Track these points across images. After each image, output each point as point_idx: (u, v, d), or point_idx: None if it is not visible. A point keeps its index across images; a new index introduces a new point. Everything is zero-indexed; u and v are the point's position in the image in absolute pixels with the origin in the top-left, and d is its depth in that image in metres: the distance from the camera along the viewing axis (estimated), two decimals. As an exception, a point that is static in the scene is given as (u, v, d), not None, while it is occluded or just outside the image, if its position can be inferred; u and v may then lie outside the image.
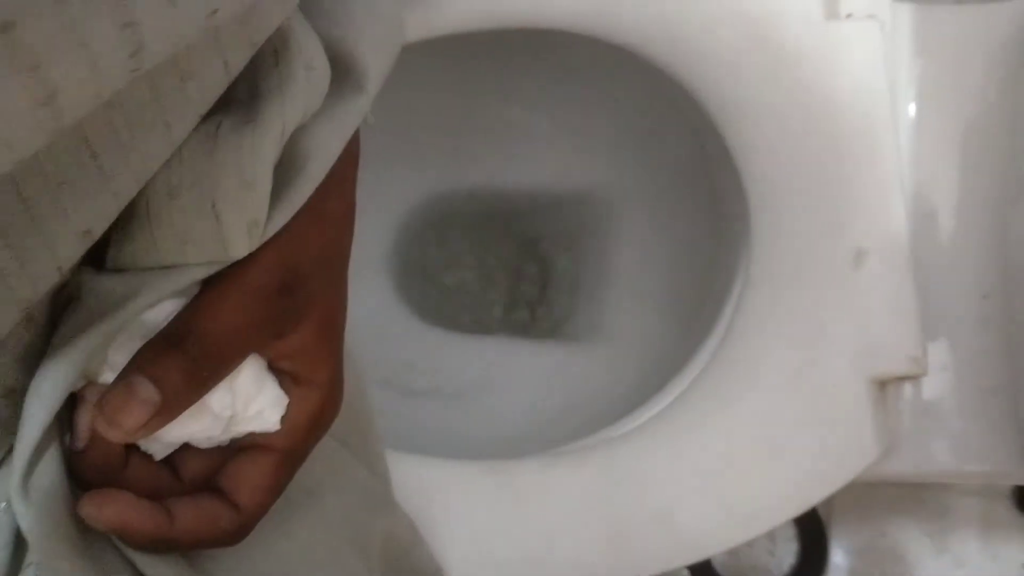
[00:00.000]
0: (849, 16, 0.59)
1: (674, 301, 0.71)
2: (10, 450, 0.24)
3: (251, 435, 0.28)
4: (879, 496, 0.82)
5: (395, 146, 0.73)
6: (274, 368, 0.28)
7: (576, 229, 0.78)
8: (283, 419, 0.28)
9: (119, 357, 0.25)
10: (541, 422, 0.70)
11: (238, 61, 0.23)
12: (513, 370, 0.74)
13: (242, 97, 0.25)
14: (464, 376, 0.73)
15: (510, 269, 0.79)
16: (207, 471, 0.28)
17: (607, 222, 0.77)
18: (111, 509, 0.25)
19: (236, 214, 0.24)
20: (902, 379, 0.55)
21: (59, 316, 0.25)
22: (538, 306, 0.78)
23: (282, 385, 0.28)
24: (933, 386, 0.56)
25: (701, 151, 0.64)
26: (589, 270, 0.77)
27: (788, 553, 0.79)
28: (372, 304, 0.75)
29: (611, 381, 0.72)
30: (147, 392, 0.24)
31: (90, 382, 0.25)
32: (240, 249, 0.25)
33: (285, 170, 0.25)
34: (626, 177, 0.75)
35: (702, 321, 0.65)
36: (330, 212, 0.28)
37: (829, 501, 0.79)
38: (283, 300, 0.26)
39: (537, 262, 0.79)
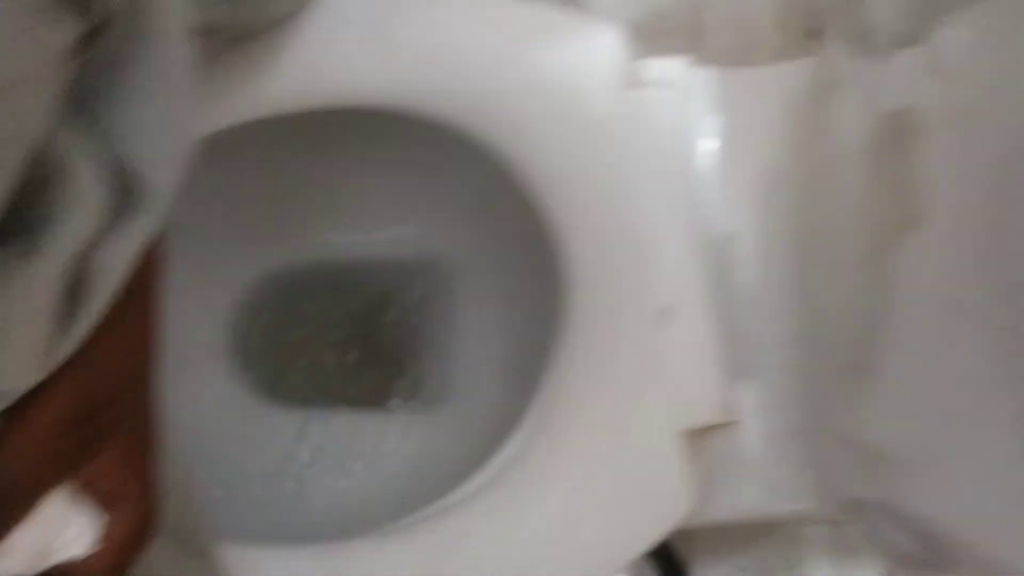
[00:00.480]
0: (649, 84, 0.61)
1: (515, 365, 0.73)
2: None
3: (68, 561, 0.27)
4: (736, 532, 0.84)
5: (226, 226, 0.73)
6: (85, 490, 0.27)
7: (423, 297, 0.79)
8: (98, 541, 0.27)
9: None
10: (386, 496, 0.70)
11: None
12: (360, 444, 0.74)
13: (18, 226, 0.24)
14: (309, 454, 0.73)
15: (356, 340, 0.79)
16: None
17: (452, 289, 0.78)
18: None
19: (20, 343, 0.23)
20: (714, 428, 0.57)
21: None
22: (385, 376, 0.78)
23: (95, 506, 0.27)
24: (743, 433, 0.58)
25: (533, 218, 0.66)
26: (436, 338, 0.78)
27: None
28: (212, 391, 0.74)
29: (455, 449, 0.73)
30: None
31: None
32: (25, 379, 0.24)
33: (72, 294, 0.25)
34: (467, 245, 0.76)
35: (535, 385, 0.66)
36: (129, 330, 0.27)
37: (690, 542, 0.81)
38: (82, 429, 0.25)
39: (384, 331, 0.80)
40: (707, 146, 0.63)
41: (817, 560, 0.85)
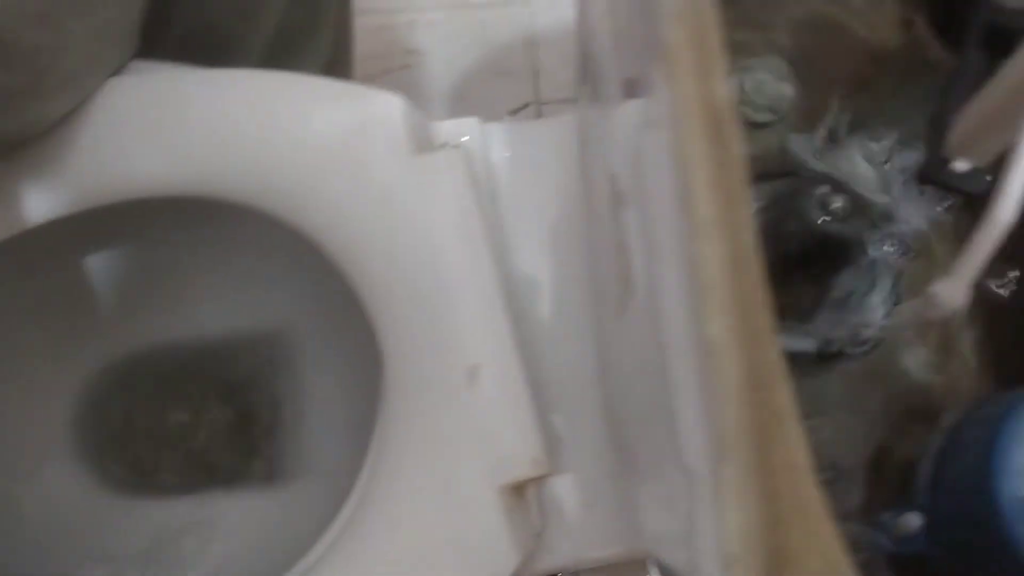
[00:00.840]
0: (443, 145, 0.62)
1: (356, 430, 0.73)
2: None
3: None
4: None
5: (62, 320, 0.72)
6: None
7: (270, 369, 0.79)
8: None
9: None
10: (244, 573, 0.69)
11: None
12: (216, 526, 0.73)
13: None
14: (165, 540, 0.72)
15: (206, 420, 0.79)
16: None
17: (296, 358, 0.78)
18: None
19: None
20: (531, 481, 0.57)
21: None
22: (238, 452, 0.78)
23: None
24: (561, 481, 0.59)
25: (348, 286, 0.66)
26: (286, 408, 0.78)
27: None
28: (58, 491, 0.73)
29: (307, 518, 0.72)
30: None
31: None
32: None
33: None
34: (304, 313, 0.76)
35: (367, 451, 0.66)
36: None
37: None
38: None
39: (234, 407, 0.79)
40: (503, 200, 0.64)
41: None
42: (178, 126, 0.60)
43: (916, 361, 0.58)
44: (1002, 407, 0.43)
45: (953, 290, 0.36)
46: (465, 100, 1.06)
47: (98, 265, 0.73)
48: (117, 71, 0.59)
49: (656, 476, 0.44)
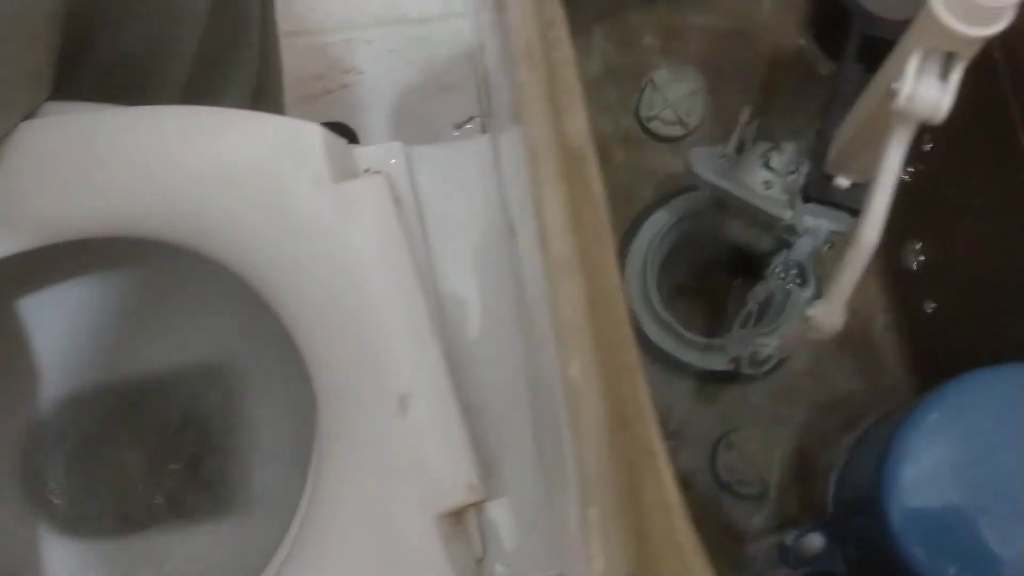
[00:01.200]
0: (366, 171, 0.62)
1: (304, 461, 0.72)
2: None
3: None
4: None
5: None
6: None
7: (218, 401, 0.78)
8: None
9: None
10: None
11: None
12: (165, 561, 0.73)
13: None
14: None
15: (158, 455, 0.78)
16: None
17: (244, 389, 0.78)
18: None
19: None
20: (468, 507, 0.57)
21: None
22: (190, 487, 0.77)
23: None
24: (496, 507, 0.59)
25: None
26: (235, 441, 0.77)
27: None
28: (5, 531, 0.72)
29: (256, 553, 0.72)
30: None
31: None
32: None
33: None
34: (249, 345, 0.76)
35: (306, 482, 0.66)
36: None
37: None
38: None
39: (182, 441, 0.79)
40: (431, 221, 0.63)
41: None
42: (91, 167, 0.59)
43: (839, 369, 0.58)
44: (892, 425, 0.44)
45: (829, 313, 0.36)
46: (409, 117, 1.06)
47: (30, 308, 0.72)
48: (29, 114, 0.58)
49: (560, 507, 0.44)
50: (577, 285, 0.30)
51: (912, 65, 0.32)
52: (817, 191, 0.41)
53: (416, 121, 1.09)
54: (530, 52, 0.31)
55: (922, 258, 0.61)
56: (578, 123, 0.32)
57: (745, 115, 0.57)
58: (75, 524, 0.75)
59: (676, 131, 0.58)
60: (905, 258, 0.61)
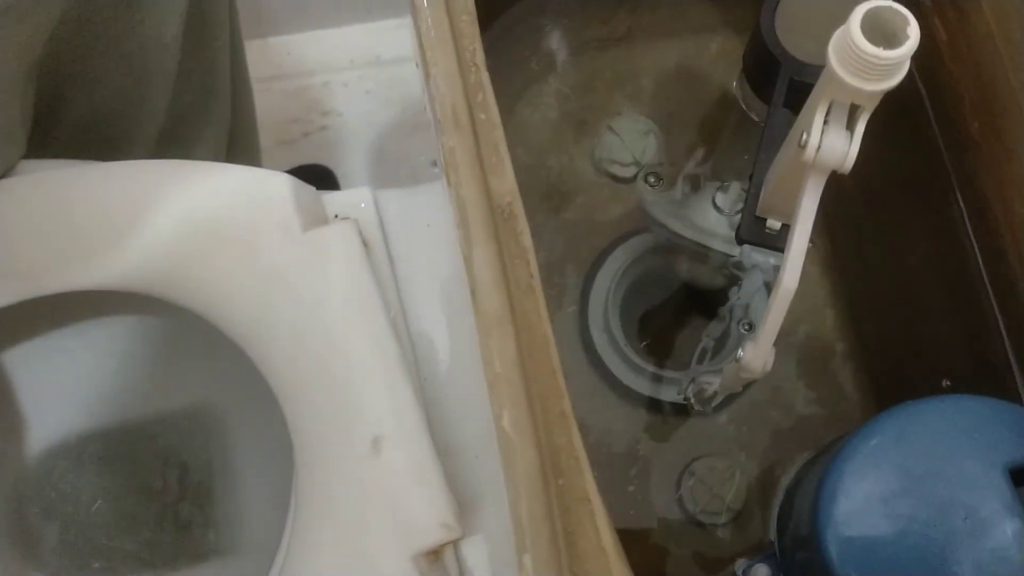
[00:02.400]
0: (336, 216, 0.63)
1: (285, 504, 0.73)
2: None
3: None
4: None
5: None
6: None
7: (204, 447, 0.79)
8: None
9: None
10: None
11: None
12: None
13: None
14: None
15: (139, 500, 0.79)
16: None
17: (227, 433, 0.79)
18: None
19: None
20: (444, 546, 0.58)
21: None
22: (180, 534, 0.78)
23: None
24: (474, 544, 0.59)
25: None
26: (223, 485, 0.78)
27: None
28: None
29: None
30: None
31: None
32: None
33: None
34: (230, 389, 0.77)
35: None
36: None
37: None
38: None
39: (166, 486, 0.79)
40: (401, 263, 0.65)
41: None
42: (66, 223, 0.61)
43: (799, 397, 0.59)
44: (830, 455, 0.45)
45: (757, 355, 0.38)
46: (387, 156, 1.07)
47: (13, 359, 0.74)
48: (4, 174, 0.60)
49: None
50: (507, 339, 0.31)
51: (818, 117, 0.33)
52: (749, 234, 0.43)
53: (394, 160, 1.11)
54: (456, 117, 0.32)
55: (875, 286, 0.62)
56: (506, 182, 0.33)
57: (696, 156, 0.59)
58: (59, 573, 0.76)
59: (632, 172, 0.60)
60: (860, 286, 0.62)
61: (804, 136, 0.34)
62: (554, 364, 0.31)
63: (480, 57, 0.36)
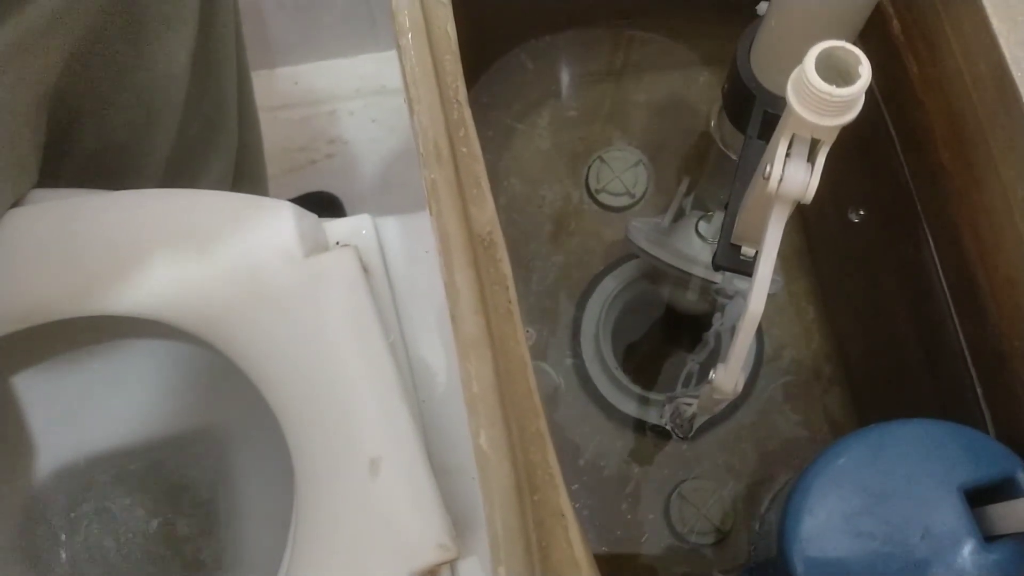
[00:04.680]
0: (338, 243, 0.65)
1: (286, 526, 0.74)
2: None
3: None
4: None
5: None
6: None
7: (203, 466, 0.81)
8: None
9: None
10: None
11: None
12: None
13: None
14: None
15: (144, 522, 0.81)
16: None
17: (229, 455, 0.80)
18: None
19: None
20: (440, 566, 0.59)
21: None
22: (176, 552, 0.79)
23: None
24: (471, 565, 0.60)
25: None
26: (227, 506, 0.79)
27: None
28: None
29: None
30: None
31: None
32: None
33: None
34: (234, 411, 0.78)
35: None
36: None
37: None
38: None
39: (170, 507, 0.81)
40: (400, 289, 0.66)
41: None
42: (73, 250, 0.62)
43: (785, 420, 0.61)
44: (796, 480, 0.46)
45: (728, 376, 0.39)
46: (392, 182, 1.09)
47: (22, 383, 0.75)
48: (16, 203, 0.62)
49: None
50: (485, 362, 0.33)
51: (780, 150, 0.35)
52: (724, 260, 0.44)
53: (399, 186, 1.12)
54: (438, 151, 0.34)
55: (857, 313, 0.64)
56: (486, 212, 0.35)
57: (683, 186, 0.61)
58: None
59: (623, 201, 0.62)
60: (844, 313, 0.64)
61: (768, 168, 0.36)
62: (531, 385, 0.33)
63: (462, 94, 0.38)
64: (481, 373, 0.32)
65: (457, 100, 0.37)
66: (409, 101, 0.36)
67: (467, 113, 0.37)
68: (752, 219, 0.40)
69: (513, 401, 0.33)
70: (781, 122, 0.36)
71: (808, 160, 0.36)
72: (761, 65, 0.46)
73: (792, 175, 0.35)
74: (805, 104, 0.33)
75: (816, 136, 0.35)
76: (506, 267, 0.34)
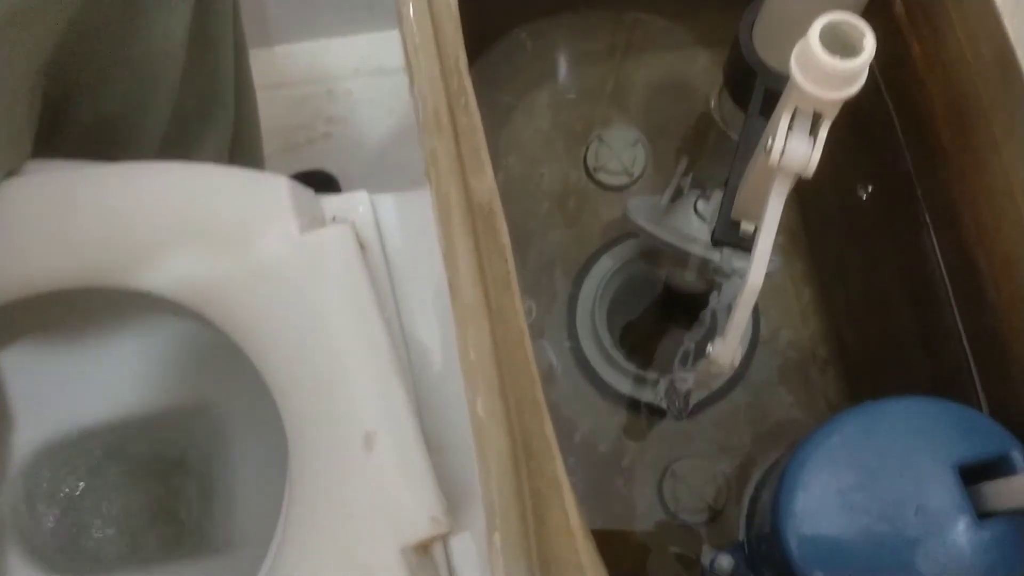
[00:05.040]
0: (334, 219, 0.65)
1: (279, 501, 0.74)
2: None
3: None
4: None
5: None
6: None
7: (198, 442, 0.81)
8: None
9: None
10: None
11: None
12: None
13: None
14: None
15: (138, 496, 0.81)
16: None
17: (224, 431, 0.80)
18: None
19: None
20: (433, 540, 0.59)
21: None
22: (176, 530, 0.79)
23: None
24: (464, 540, 0.61)
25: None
26: (220, 482, 0.79)
27: None
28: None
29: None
30: None
31: None
32: None
33: None
34: (228, 387, 0.78)
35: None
36: None
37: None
38: None
39: (164, 483, 0.81)
40: (397, 265, 0.66)
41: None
42: (68, 222, 0.62)
43: (779, 401, 0.61)
44: (791, 454, 0.47)
45: (725, 351, 0.39)
46: (388, 163, 1.09)
47: (13, 357, 0.75)
48: (11, 173, 0.62)
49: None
50: (483, 330, 0.33)
51: (783, 123, 0.35)
52: (723, 235, 0.44)
53: (396, 166, 1.12)
54: (438, 120, 0.34)
55: (854, 295, 0.64)
56: (485, 182, 0.35)
57: (681, 165, 0.61)
58: (60, 566, 0.77)
59: (622, 180, 0.62)
60: (841, 294, 0.64)
61: (770, 141, 0.36)
62: (528, 355, 0.33)
63: (463, 63, 0.37)
64: (479, 341, 0.32)
65: (458, 69, 0.37)
66: (409, 69, 0.36)
67: (468, 82, 0.37)
68: (752, 194, 0.40)
69: (510, 370, 0.33)
70: (784, 95, 0.36)
71: (810, 134, 0.36)
72: (764, 42, 0.46)
73: (794, 148, 0.35)
74: (809, 77, 0.33)
75: (819, 110, 0.35)
76: (505, 237, 0.34)
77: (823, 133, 0.35)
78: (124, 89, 0.64)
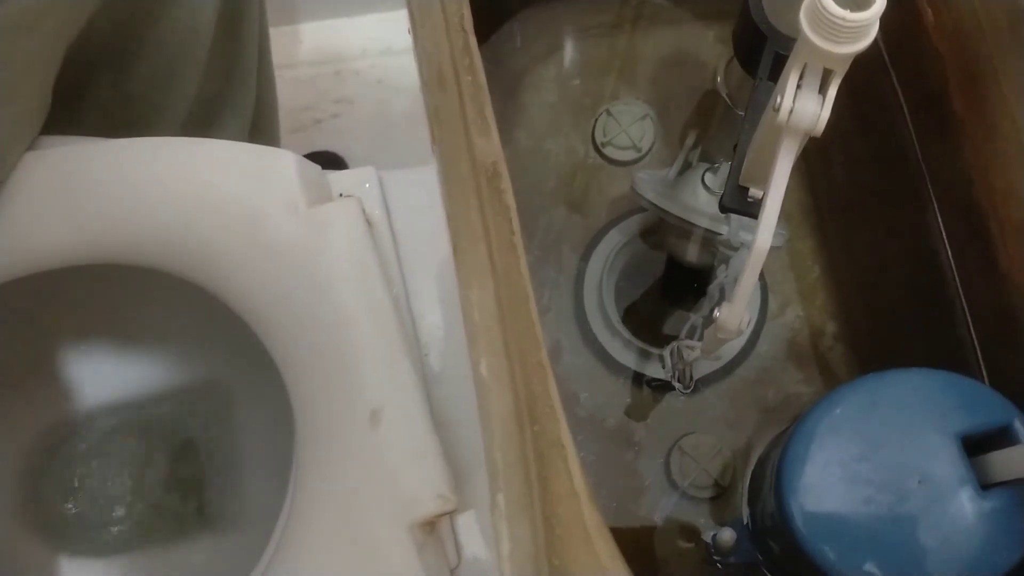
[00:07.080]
0: (341, 195, 0.64)
1: (286, 477, 0.74)
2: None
3: None
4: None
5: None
6: None
7: (205, 420, 0.81)
8: None
9: None
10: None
11: None
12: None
13: None
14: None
15: (146, 474, 0.81)
16: None
17: (233, 406, 0.80)
18: None
19: None
20: (440, 517, 0.59)
21: None
22: (185, 505, 0.79)
23: None
24: (471, 518, 0.60)
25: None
26: (227, 457, 0.79)
27: None
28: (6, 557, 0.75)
29: (242, 569, 0.74)
30: None
31: None
32: None
33: None
34: (235, 364, 0.78)
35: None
36: None
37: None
38: None
39: (172, 460, 0.81)
40: (404, 242, 0.66)
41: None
42: (77, 197, 0.62)
43: (788, 376, 0.60)
44: (794, 428, 0.46)
45: (732, 314, 0.39)
46: (396, 144, 1.08)
47: (24, 333, 0.75)
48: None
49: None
50: (487, 291, 0.33)
51: (792, 81, 0.35)
52: (731, 201, 0.44)
53: (404, 147, 1.11)
54: (441, 77, 0.34)
55: (862, 270, 0.63)
56: (491, 142, 0.35)
57: (690, 139, 0.60)
58: (69, 541, 0.77)
59: (630, 155, 0.61)
60: (849, 270, 0.64)
61: (779, 99, 0.35)
62: (533, 317, 0.32)
63: (468, 22, 0.37)
64: (483, 302, 0.31)
65: (463, 28, 0.36)
66: (413, 27, 0.36)
67: (472, 41, 0.36)
68: (761, 158, 0.40)
69: (515, 331, 0.33)
70: (793, 52, 0.35)
71: (819, 92, 0.35)
72: (773, 5, 0.46)
73: (803, 107, 0.35)
74: (819, 31, 0.32)
75: (828, 66, 0.34)
76: (509, 198, 0.33)
77: (833, 91, 0.34)
78: (148, 68, 0.63)
